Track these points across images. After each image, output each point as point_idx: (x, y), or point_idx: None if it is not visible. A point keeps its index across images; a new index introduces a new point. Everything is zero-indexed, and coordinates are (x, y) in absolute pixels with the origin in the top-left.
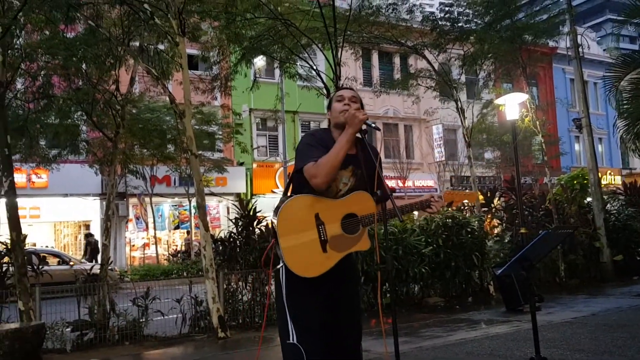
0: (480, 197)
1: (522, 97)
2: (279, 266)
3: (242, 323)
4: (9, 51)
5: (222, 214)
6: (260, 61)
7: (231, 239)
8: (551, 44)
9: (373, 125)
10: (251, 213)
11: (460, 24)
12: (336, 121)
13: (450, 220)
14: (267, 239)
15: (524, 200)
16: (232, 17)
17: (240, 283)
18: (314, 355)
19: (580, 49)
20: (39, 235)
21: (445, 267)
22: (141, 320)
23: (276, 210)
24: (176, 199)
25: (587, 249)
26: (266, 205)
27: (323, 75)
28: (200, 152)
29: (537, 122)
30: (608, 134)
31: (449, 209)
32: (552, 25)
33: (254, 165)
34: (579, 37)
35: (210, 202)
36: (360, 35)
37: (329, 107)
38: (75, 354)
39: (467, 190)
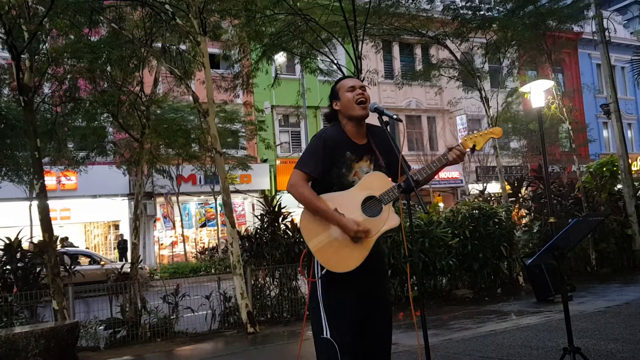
0: (507, 187)
1: (548, 84)
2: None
3: (271, 318)
4: (36, 56)
5: (247, 210)
6: (280, 57)
7: (257, 235)
8: (576, 29)
9: (395, 117)
10: (276, 209)
11: (482, 12)
12: (350, 113)
13: (476, 211)
14: (293, 234)
15: (552, 189)
16: (252, 15)
17: (267, 279)
18: (346, 350)
19: (606, 33)
20: (70, 236)
21: (472, 258)
22: (172, 317)
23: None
24: (202, 197)
25: (619, 237)
26: (291, 201)
27: (344, 69)
28: (224, 150)
29: (564, 109)
30: (638, 119)
31: (472, 152)
32: (577, 10)
33: (278, 162)
34: (604, 20)
35: (236, 200)
36: (380, 27)
37: (336, 96)
38: (108, 351)
39: (486, 129)
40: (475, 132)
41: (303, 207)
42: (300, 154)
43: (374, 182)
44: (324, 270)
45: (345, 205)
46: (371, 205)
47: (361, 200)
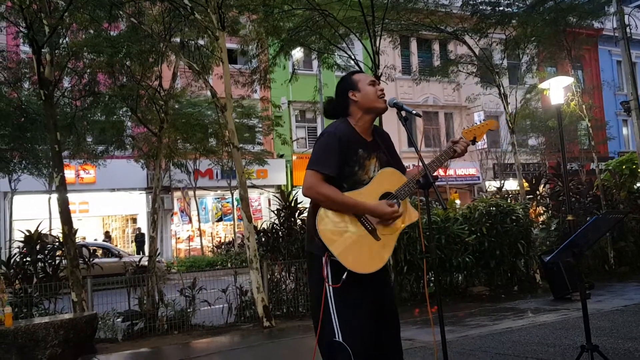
0: (525, 184)
1: (567, 80)
2: (323, 262)
3: (287, 312)
4: (56, 51)
5: (263, 205)
6: (298, 53)
7: (274, 230)
8: (596, 25)
9: (414, 112)
10: (292, 204)
11: (501, 8)
12: (373, 105)
13: (494, 208)
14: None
15: (570, 186)
16: (270, 10)
17: (283, 273)
18: (360, 354)
19: (627, 30)
20: (88, 229)
21: (489, 256)
22: (189, 310)
23: (313, 225)
24: (219, 191)
25: (638, 236)
26: None
27: (361, 65)
28: (241, 145)
29: (583, 106)
30: None
31: (473, 143)
32: (598, 6)
33: (294, 157)
34: (626, 17)
35: (252, 195)
36: (398, 22)
37: (354, 87)
38: (126, 343)
39: (482, 122)
40: (473, 124)
41: (324, 207)
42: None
43: (388, 178)
44: (345, 274)
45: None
46: (390, 203)
47: (378, 197)
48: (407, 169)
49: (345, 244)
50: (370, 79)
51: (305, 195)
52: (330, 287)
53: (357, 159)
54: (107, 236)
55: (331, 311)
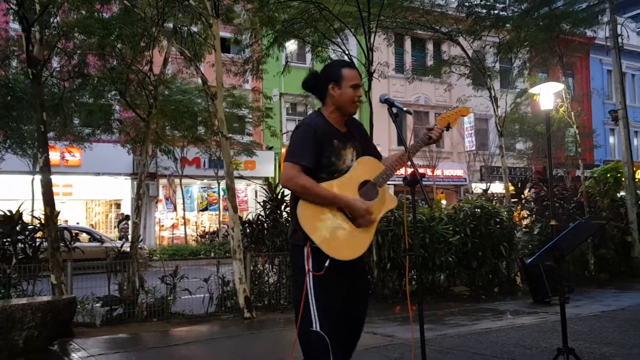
0: (511, 187)
1: (558, 86)
2: (305, 254)
3: (268, 304)
4: (46, 30)
5: (250, 197)
6: (292, 45)
7: (259, 222)
8: (589, 33)
9: (405, 109)
10: (279, 197)
11: (496, 11)
12: (346, 108)
13: (479, 210)
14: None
15: (555, 192)
16: (266, 0)
17: (266, 265)
18: (337, 343)
19: (619, 39)
20: (71, 212)
21: (472, 256)
22: (169, 298)
23: (294, 216)
24: (205, 181)
25: (618, 244)
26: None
27: (355, 61)
28: (230, 135)
29: (572, 113)
30: None
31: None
32: (592, 14)
33: (283, 150)
34: (618, 26)
35: (239, 186)
36: (393, 20)
37: (338, 82)
38: (104, 328)
39: (457, 108)
40: (446, 111)
41: (302, 199)
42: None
43: (366, 166)
44: (327, 262)
45: (342, 192)
46: (367, 190)
47: (357, 185)
48: (386, 157)
49: (326, 232)
50: (354, 82)
51: (283, 186)
52: (311, 276)
53: (333, 149)
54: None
55: (310, 300)
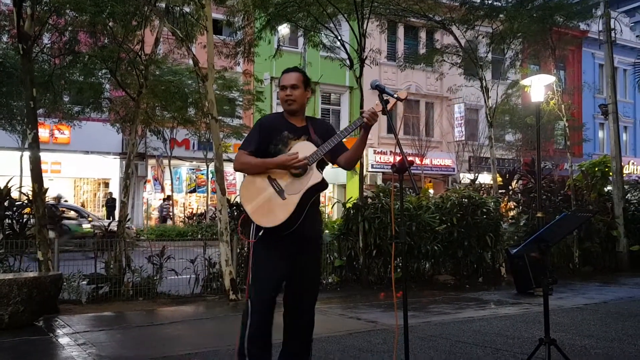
0: (499, 179)
1: (549, 79)
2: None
3: None
4: (38, 5)
5: (238, 180)
6: (284, 29)
7: None
8: (582, 27)
9: (395, 95)
10: None
11: (490, 1)
12: (283, 107)
13: (466, 200)
14: None
15: (542, 184)
16: None
17: None
18: (257, 312)
19: (612, 33)
20: (60, 190)
21: (457, 246)
22: (155, 277)
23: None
24: (194, 162)
25: (604, 238)
26: None
27: (347, 46)
28: (220, 117)
29: (562, 106)
30: (634, 123)
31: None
32: (585, 8)
33: None
34: (612, 21)
35: (227, 169)
36: (387, 7)
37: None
38: (90, 305)
39: (396, 94)
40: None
41: (247, 169)
42: None
43: (301, 149)
44: (261, 232)
45: (277, 172)
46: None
47: None
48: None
49: (257, 204)
50: (281, 84)
51: (235, 169)
52: (252, 245)
53: (281, 138)
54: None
55: (250, 267)
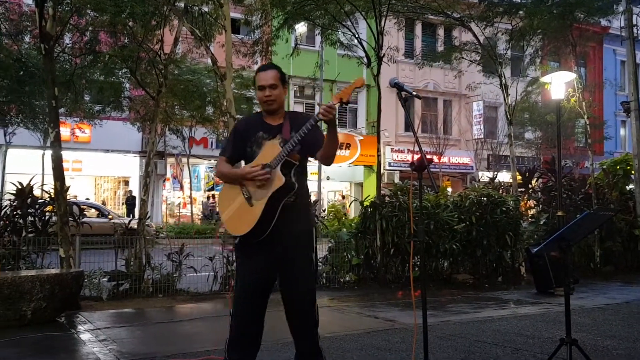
0: (518, 177)
1: (570, 76)
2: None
3: None
4: (59, 6)
5: None
6: (302, 27)
7: None
8: (603, 23)
9: (414, 93)
10: None
11: None
12: (261, 105)
13: (485, 198)
14: None
15: (563, 182)
16: None
17: None
18: (237, 315)
19: (634, 30)
20: (80, 188)
21: (476, 244)
22: (175, 275)
23: None
24: (212, 161)
25: (626, 237)
26: None
27: (365, 44)
28: (238, 115)
29: (583, 104)
30: None
31: (343, 104)
32: (607, 3)
33: None
34: (634, 16)
35: None
36: (405, 4)
37: (254, 83)
38: (110, 302)
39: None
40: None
41: (224, 179)
42: None
43: (268, 151)
44: (237, 240)
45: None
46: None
47: (259, 168)
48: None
49: (229, 212)
50: (259, 84)
51: (217, 177)
52: (235, 254)
53: (255, 139)
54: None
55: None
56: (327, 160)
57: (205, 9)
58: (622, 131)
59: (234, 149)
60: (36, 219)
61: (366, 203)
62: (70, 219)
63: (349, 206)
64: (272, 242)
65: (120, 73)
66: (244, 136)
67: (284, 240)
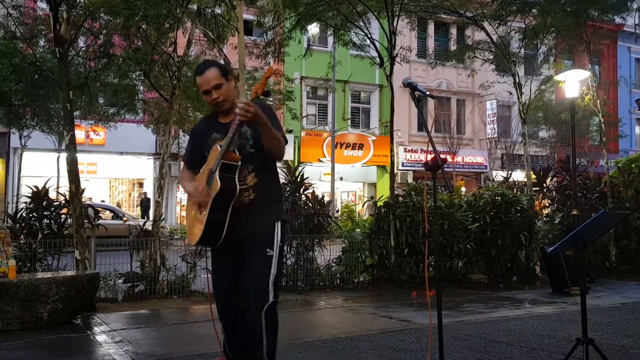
0: (533, 176)
1: (584, 74)
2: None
3: (285, 286)
4: (73, 9)
5: None
6: (314, 28)
7: None
8: (618, 20)
9: (427, 93)
10: (298, 179)
11: None
12: (214, 109)
13: (499, 197)
14: (313, 205)
15: (578, 181)
16: None
17: (285, 247)
18: (222, 318)
19: None
20: (95, 190)
21: (491, 244)
22: (189, 276)
23: None
24: None
25: None
26: (313, 173)
27: (377, 44)
28: None
29: (598, 102)
30: None
31: (259, 97)
32: (621, 1)
33: (303, 134)
34: None
35: None
36: (417, 4)
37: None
38: (126, 303)
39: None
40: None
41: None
42: (326, 127)
43: (212, 155)
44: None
45: (200, 183)
46: (208, 178)
47: (206, 174)
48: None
49: (189, 221)
50: (202, 89)
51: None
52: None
53: (210, 143)
54: None
55: None
56: (273, 154)
57: (217, 11)
58: (637, 129)
59: (192, 155)
60: (52, 221)
61: (380, 203)
62: (86, 221)
63: (363, 207)
64: (232, 244)
65: (134, 76)
66: (200, 140)
67: (244, 240)
